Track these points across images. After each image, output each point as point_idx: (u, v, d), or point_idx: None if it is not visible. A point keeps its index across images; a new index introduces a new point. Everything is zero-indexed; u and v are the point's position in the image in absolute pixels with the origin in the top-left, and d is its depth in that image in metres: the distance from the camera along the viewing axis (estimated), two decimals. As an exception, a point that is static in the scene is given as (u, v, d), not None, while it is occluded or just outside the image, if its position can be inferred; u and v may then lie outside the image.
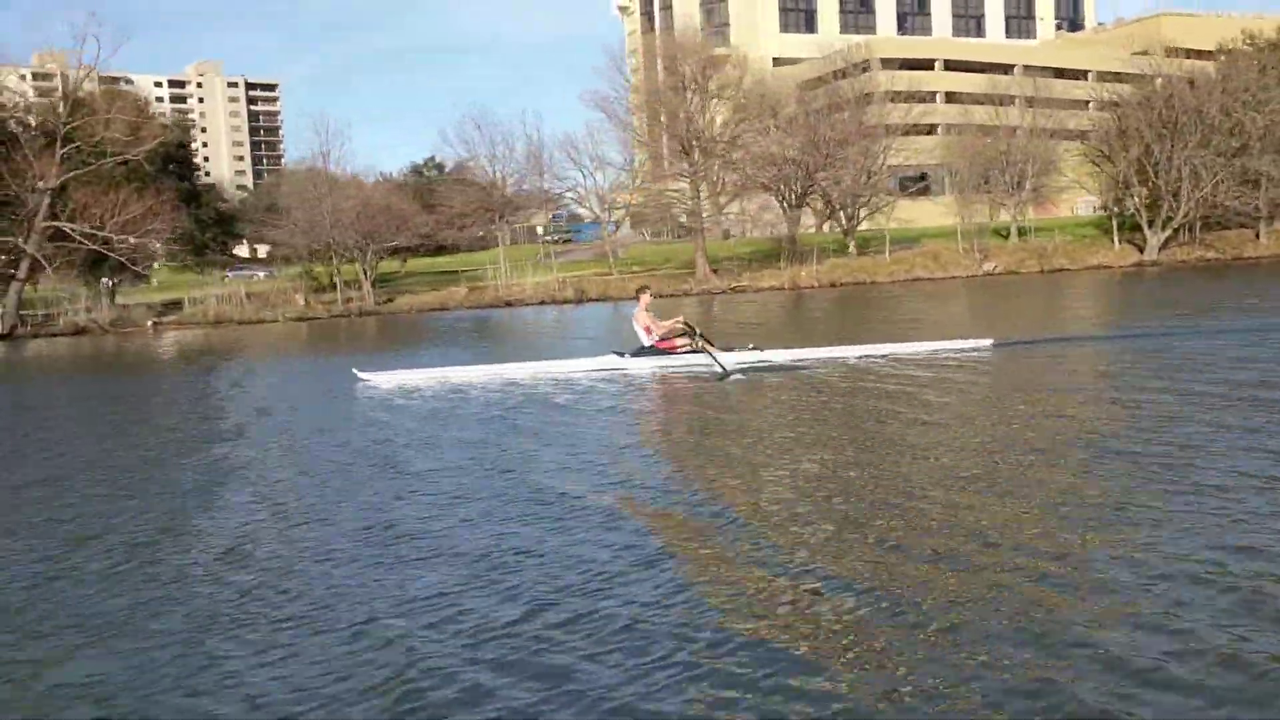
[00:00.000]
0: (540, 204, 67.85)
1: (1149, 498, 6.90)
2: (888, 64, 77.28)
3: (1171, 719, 3.94)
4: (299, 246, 58.72)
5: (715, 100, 61.13)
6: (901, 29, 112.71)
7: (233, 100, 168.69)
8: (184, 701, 4.65)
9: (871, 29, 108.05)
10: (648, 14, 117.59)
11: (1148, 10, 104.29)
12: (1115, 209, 63.00)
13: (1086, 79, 78.01)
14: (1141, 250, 60.31)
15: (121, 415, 16.90)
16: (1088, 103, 72.29)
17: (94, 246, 50.88)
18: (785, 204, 62.70)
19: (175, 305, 57.88)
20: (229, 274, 71.75)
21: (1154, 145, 57.96)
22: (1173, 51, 69.21)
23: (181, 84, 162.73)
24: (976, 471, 8.01)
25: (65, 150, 51.76)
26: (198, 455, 11.44)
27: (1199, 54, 67.71)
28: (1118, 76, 70.21)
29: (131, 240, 50.95)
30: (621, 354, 17.11)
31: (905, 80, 73.55)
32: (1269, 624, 4.70)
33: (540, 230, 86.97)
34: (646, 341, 17.10)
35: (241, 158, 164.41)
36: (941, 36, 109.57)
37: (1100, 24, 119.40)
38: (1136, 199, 60.35)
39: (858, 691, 4.26)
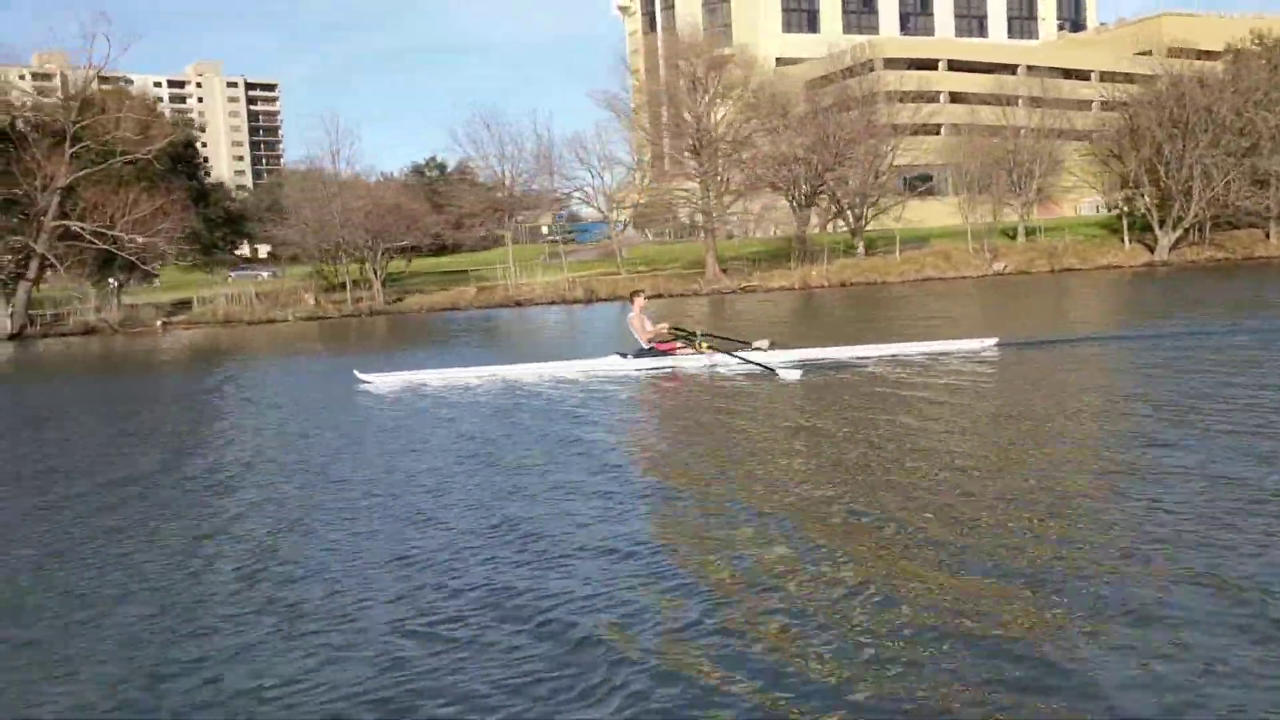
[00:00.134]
0: (549, 204, 67.63)
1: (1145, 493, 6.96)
2: (893, 64, 77.27)
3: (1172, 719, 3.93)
4: (309, 246, 58.58)
5: (723, 100, 61.04)
6: (904, 29, 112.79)
7: (232, 100, 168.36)
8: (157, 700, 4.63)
9: (874, 29, 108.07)
10: (649, 14, 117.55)
11: (1149, 11, 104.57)
12: (1125, 209, 63.00)
13: (1089, 79, 78.11)
14: (1152, 250, 60.35)
15: (123, 417, 16.75)
16: (1091, 103, 72.39)
17: (104, 246, 50.71)
18: (795, 204, 62.61)
19: (184, 305, 57.72)
20: (232, 274, 71.61)
21: (1165, 145, 57.98)
22: (1176, 52, 69.32)
23: (181, 84, 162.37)
24: (977, 473, 7.99)
25: (75, 149, 51.54)
26: (193, 460, 11.36)
27: (1201, 54, 67.70)
28: (1128, 78, 70.21)
29: (140, 240, 50.77)
30: (624, 355, 17.21)
31: (914, 80, 73.54)
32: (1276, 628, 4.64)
33: (545, 230, 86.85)
34: (644, 343, 17.24)
35: (241, 158, 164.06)
36: (944, 37, 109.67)
37: (1102, 24, 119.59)
38: (1147, 199, 60.37)
39: (859, 692, 4.25)
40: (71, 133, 51.43)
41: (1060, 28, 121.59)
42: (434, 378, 17.36)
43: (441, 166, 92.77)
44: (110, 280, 55.66)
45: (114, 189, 51.01)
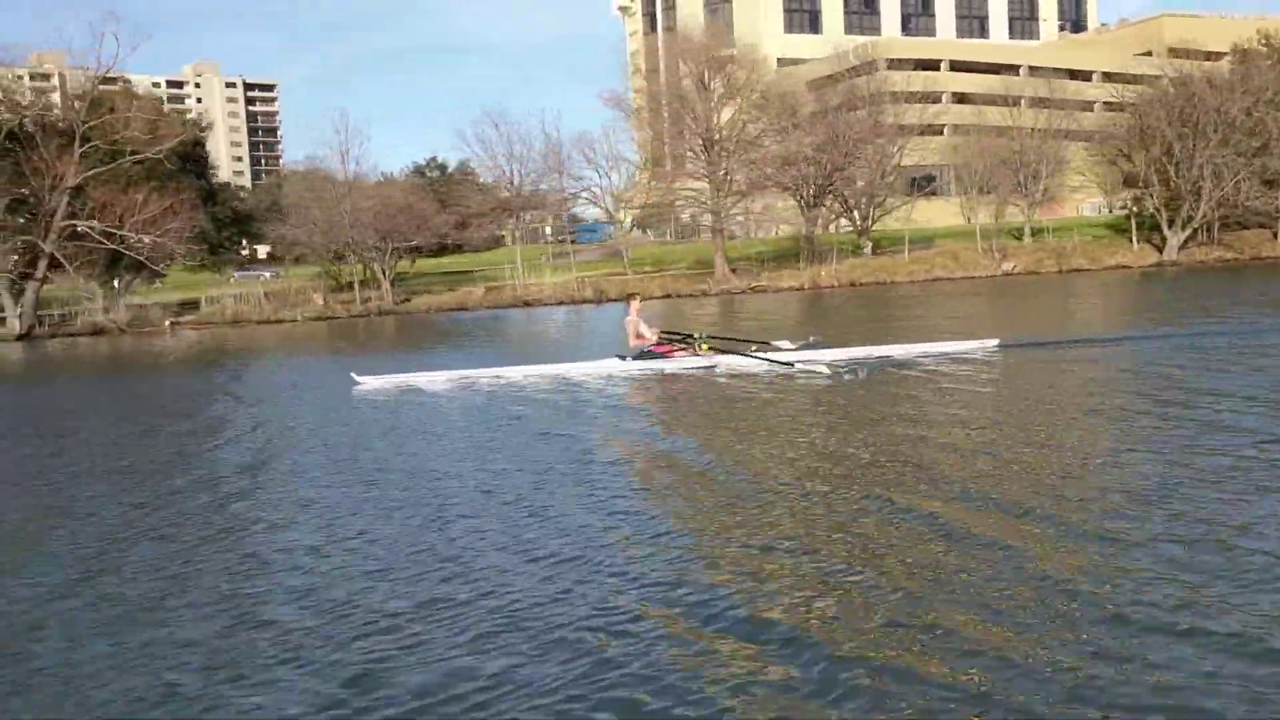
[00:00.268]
0: (557, 204, 67.46)
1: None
2: (897, 64, 77.19)
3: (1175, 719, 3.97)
4: (317, 246, 58.39)
5: (731, 99, 60.93)
6: (906, 29, 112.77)
7: (231, 100, 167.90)
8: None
9: (876, 30, 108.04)
10: (649, 15, 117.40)
11: (1149, 12, 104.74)
12: (1134, 209, 63.03)
13: (1090, 79, 78.13)
14: (1160, 250, 60.40)
15: (127, 420, 16.74)
16: (1092, 103, 72.42)
17: (112, 246, 50.50)
18: (803, 204, 62.55)
19: (191, 305, 57.51)
20: (235, 274, 71.39)
21: (1175, 144, 58.00)
22: (1176, 52, 69.35)
23: (179, 84, 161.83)
24: (976, 475, 8.03)
25: (83, 149, 51.32)
26: (190, 463, 11.42)
27: (1203, 55, 67.77)
28: (1136, 78, 70.25)
29: (147, 240, 50.55)
30: (623, 357, 17.29)
31: (921, 80, 73.51)
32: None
33: (548, 230, 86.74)
34: (636, 347, 17.36)
35: (240, 158, 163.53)
36: (945, 37, 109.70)
37: (1103, 25, 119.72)
38: (1155, 198, 60.41)
39: (862, 690, 4.31)
40: (80, 132, 51.20)
41: (1061, 28, 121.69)
42: (430, 379, 17.36)
43: (442, 167, 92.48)
44: (114, 281, 55.41)
45: (123, 189, 50.79)
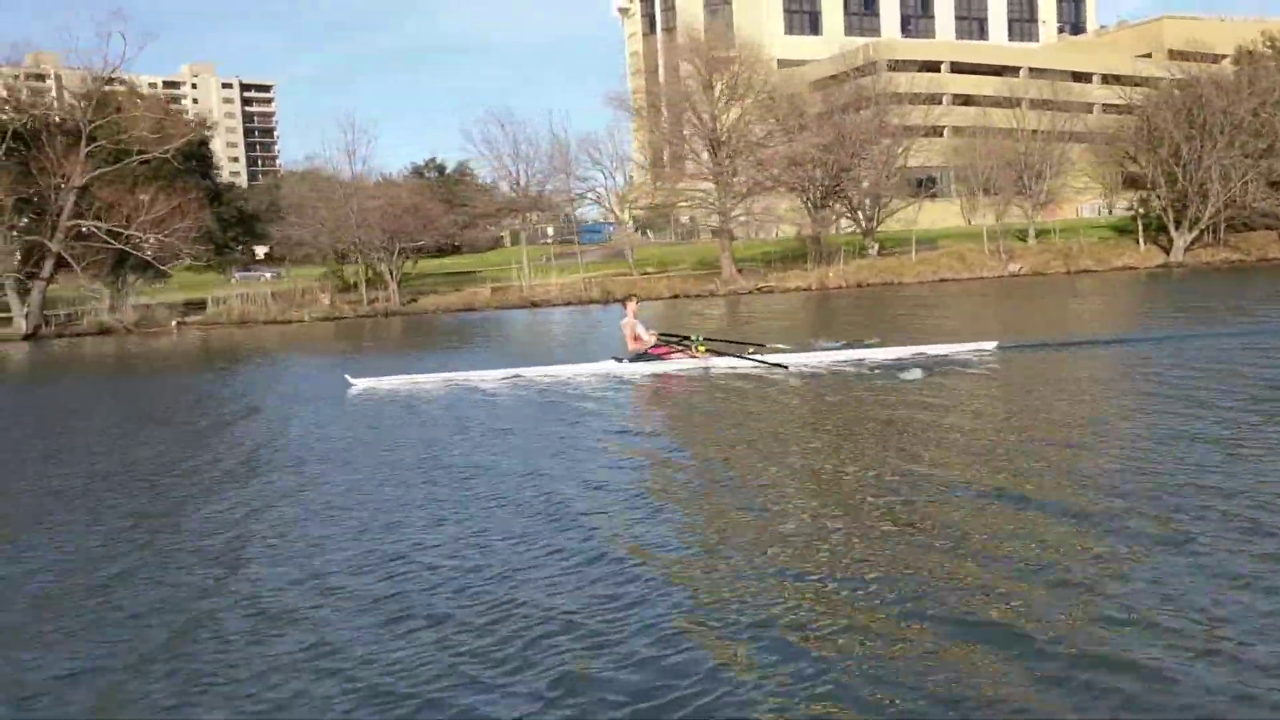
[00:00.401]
0: (565, 203, 67.34)
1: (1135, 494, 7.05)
2: (897, 66, 77.22)
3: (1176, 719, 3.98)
4: (322, 246, 58.19)
5: (736, 100, 60.86)
6: (905, 31, 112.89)
7: (227, 101, 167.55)
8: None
9: (876, 31, 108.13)
10: (649, 16, 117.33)
11: (1149, 13, 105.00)
12: (1141, 210, 63.11)
13: (1090, 81, 78.22)
14: (1167, 251, 60.51)
15: (129, 422, 16.62)
16: (1092, 105, 72.49)
17: (119, 245, 50.28)
18: (810, 204, 62.51)
19: (197, 305, 57.28)
20: (236, 275, 71.15)
21: (1183, 146, 58.08)
22: (1177, 54, 69.43)
23: (176, 84, 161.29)
24: (976, 476, 8.02)
25: (90, 149, 51.08)
26: (190, 463, 11.40)
27: (1203, 57, 67.86)
28: (1142, 80, 70.34)
29: (153, 239, 50.34)
30: (620, 359, 17.31)
31: (924, 81, 73.58)
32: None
33: (551, 231, 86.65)
34: (641, 348, 17.39)
35: (236, 159, 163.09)
36: (945, 39, 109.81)
37: (1102, 27, 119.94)
38: (1162, 200, 60.50)
39: (862, 691, 4.31)
40: (87, 132, 50.97)
41: (1060, 30, 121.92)
42: (427, 381, 17.29)
43: (440, 168, 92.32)
44: (120, 281, 55.13)
45: (129, 189, 50.57)
